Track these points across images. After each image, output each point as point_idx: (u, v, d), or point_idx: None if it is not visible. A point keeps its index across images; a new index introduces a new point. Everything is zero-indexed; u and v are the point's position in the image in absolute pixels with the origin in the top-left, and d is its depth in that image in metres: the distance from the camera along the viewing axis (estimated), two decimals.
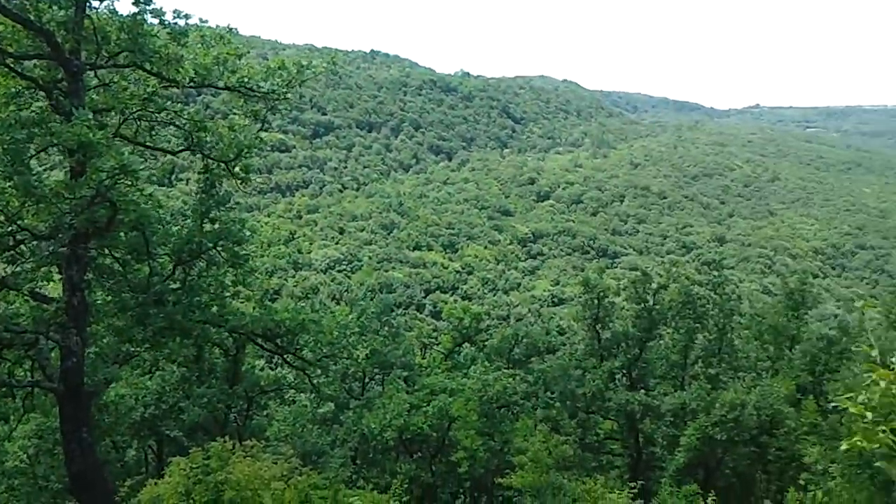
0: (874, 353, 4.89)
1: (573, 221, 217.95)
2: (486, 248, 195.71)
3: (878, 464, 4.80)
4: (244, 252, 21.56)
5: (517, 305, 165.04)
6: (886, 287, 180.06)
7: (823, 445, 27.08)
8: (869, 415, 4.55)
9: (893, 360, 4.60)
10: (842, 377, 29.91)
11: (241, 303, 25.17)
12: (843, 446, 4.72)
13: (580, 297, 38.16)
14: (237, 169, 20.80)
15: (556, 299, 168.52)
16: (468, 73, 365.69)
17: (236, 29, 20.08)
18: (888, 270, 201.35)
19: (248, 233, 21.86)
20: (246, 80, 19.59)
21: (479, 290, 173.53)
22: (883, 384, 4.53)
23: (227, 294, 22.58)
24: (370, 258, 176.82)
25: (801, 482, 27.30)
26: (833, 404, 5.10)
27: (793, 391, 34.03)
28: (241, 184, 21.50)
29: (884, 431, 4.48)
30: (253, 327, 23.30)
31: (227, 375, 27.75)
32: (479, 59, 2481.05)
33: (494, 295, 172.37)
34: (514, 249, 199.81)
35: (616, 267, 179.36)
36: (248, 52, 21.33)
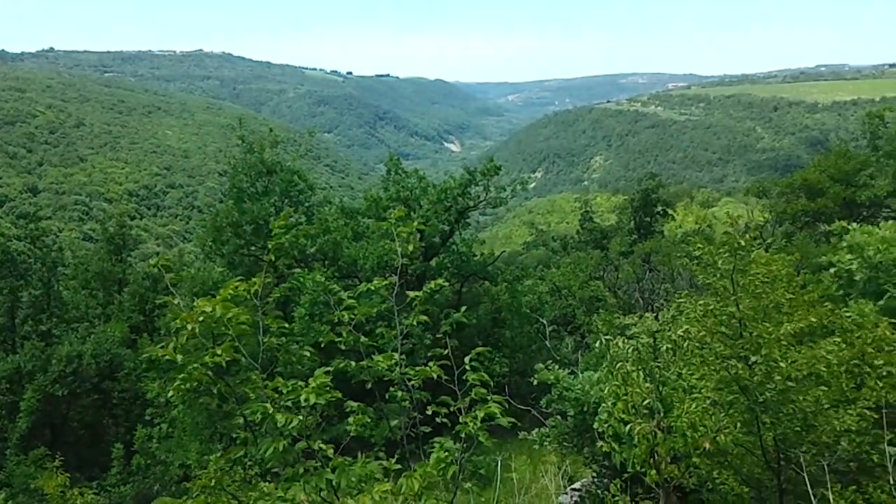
0: (177, 300, 5.38)
1: None
2: None
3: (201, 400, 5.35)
4: None
5: None
6: (198, 222, 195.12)
7: (163, 378, 28.54)
8: (179, 357, 5.01)
9: (197, 303, 5.12)
10: (171, 311, 31.71)
11: None
12: (169, 393, 5.13)
13: None
14: None
15: None
16: None
17: None
18: (197, 206, 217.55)
19: None
20: None
21: None
22: (190, 326, 5.01)
23: None
24: None
25: (148, 417, 28.50)
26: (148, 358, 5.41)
27: (127, 333, 35.03)
28: None
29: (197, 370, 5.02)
30: None
31: None
32: None
33: None
34: None
35: None
36: None
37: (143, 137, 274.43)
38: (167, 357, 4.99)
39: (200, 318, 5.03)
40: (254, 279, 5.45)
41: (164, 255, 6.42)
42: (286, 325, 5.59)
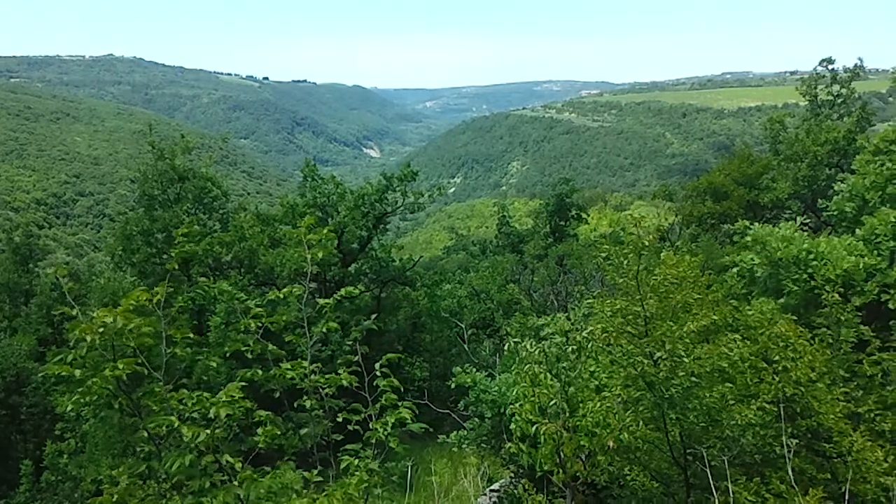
0: (75, 311, 5.23)
1: None
2: None
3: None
4: None
5: None
6: (110, 230, 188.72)
7: (71, 393, 27.60)
8: (77, 372, 4.87)
9: (99, 316, 4.98)
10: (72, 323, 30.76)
11: None
12: (68, 407, 4.97)
13: None
14: None
15: None
16: None
17: None
18: (109, 214, 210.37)
19: None
20: None
21: None
22: (90, 338, 4.88)
23: None
24: None
25: (58, 432, 27.57)
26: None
27: (34, 346, 34.07)
28: None
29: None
30: None
31: None
32: None
33: None
34: None
35: None
36: None
37: (51, 144, 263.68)
38: (63, 373, 4.84)
39: (101, 330, 4.90)
40: (156, 288, 5.33)
41: (61, 265, 6.24)
42: (191, 336, 5.48)
